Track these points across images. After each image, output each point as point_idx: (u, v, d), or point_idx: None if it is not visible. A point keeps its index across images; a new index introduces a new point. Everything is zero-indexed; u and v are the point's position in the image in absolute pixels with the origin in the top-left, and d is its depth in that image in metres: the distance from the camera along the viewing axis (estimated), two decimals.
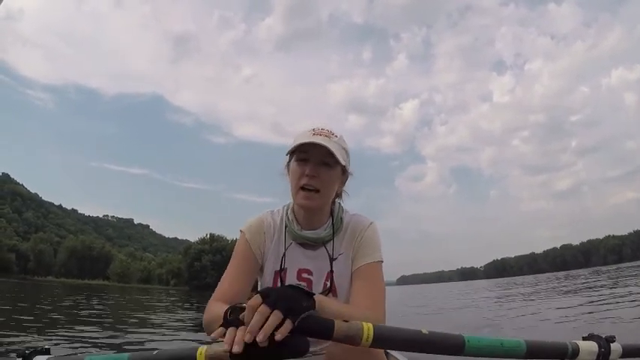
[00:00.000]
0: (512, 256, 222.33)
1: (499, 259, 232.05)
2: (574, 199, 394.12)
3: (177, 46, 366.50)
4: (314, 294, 1.04)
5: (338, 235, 1.55)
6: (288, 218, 1.56)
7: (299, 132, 1.52)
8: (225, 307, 1.20)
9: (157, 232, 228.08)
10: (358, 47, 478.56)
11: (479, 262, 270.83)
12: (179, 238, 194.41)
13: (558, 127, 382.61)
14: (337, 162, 1.43)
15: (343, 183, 1.59)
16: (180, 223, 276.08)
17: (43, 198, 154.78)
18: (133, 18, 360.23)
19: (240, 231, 1.59)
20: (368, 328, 0.98)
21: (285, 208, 1.61)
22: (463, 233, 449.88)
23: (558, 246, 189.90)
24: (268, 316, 0.92)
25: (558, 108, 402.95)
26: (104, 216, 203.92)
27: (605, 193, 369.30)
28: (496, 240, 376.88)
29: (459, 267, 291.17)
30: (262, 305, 0.93)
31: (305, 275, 1.54)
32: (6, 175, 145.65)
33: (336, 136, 1.48)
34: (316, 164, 1.44)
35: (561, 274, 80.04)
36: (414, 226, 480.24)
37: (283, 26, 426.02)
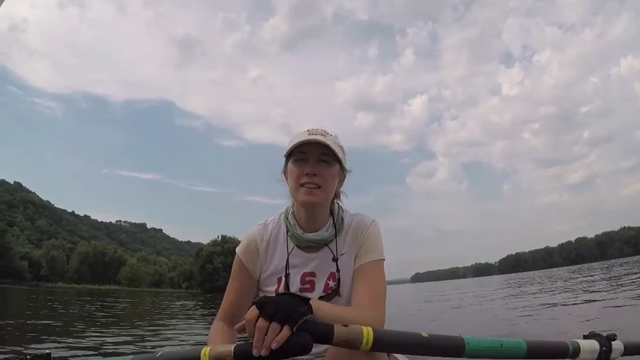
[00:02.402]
0: (527, 251, 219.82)
1: (513, 254, 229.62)
2: (588, 191, 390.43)
3: (182, 50, 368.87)
4: (309, 299, 1.04)
5: (340, 235, 1.57)
6: (289, 223, 1.56)
7: (293, 135, 1.54)
8: (226, 327, 1.54)
9: (170, 235, 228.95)
10: (364, 44, 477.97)
11: (493, 258, 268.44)
12: (192, 241, 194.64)
13: (569, 119, 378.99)
14: (335, 158, 1.47)
15: (341, 182, 1.60)
16: (193, 226, 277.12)
17: (55, 205, 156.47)
18: (136, 24, 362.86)
19: (237, 250, 1.63)
20: (367, 332, 0.97)
21: (284, 214, 1.62)
22: (477, 229, 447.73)
23: (573, 239, 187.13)
24: (267, 328, 0.95)
25: (568, 99, 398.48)
26: (117, 221, 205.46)
27: (618, 184, 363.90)
28: (510, 235, 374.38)
29: (474, 263, 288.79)
30: (260, 319, 0.95)
31: (308, 278, 1.55)
32: (18, 184, 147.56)
33: (331, 135, 1.50)
34: (315, 162, 1.45)
35: (575, 267, 79.09)
36: (426, 224, 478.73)
37: (288, 26, 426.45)
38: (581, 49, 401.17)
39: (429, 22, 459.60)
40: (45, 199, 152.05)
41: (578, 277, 30.92)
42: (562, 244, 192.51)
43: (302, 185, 1.45)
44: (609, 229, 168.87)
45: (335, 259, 1.54)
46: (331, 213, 1.59)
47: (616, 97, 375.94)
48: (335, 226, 1.56)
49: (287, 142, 1.53)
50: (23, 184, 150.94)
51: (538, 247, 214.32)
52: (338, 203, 1.63)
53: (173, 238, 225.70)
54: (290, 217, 1.58)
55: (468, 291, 31.14)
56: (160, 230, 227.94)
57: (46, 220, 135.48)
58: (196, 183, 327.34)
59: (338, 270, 1.53)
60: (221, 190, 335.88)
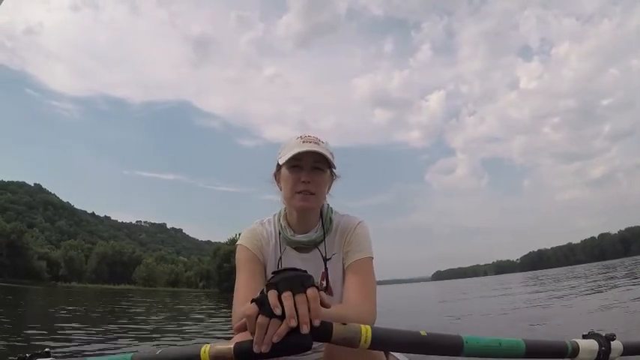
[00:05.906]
0: (549, 248, 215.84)
1: (535, 250, 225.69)
2: (610, 186, 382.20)
3: (197, 49, 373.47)
4: (312, 278, 1.02)
5: (329, 236, 1.63)
6: (281, 225, 1.63)
7: (287, 140, 1.61)
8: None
9: (190, 235, 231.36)
10: (379, 40, 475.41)
11: (515, 255, 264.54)
12: (212, 240, 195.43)
13: (590, 112, 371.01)
14: (328, 166, 1.54)
15: (330, 186, 1.66)
16: (213, 226, 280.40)
17: (75, 206, 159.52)
18: (150, 24, 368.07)
19: (237, 244, 1.66)
20: (366, 331, 0.98)
21: (277, 216, 1.69)
22: (498, 225, 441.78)
23: (596, 235, 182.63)
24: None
25: (588, 92, 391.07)
26: (137, 222, 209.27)
27: None
28: (532, 231, 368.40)
29: (495, 260, 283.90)
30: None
31: None
32: (38, 186, 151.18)
33: (323, 142, 1.58)
34: (309, 170, 1.52)
35: (597, 264, 77.52)
36: (447, 221, 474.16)
37: (301, 23, 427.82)
38: (600, 41, 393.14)
39: (444, 16, 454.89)
40: (65, 201, 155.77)
41: (585, 275, 30.04)
42: (585, 240, 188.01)
43: (297, 192, 1.52)
44: (633, 225, 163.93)
45: (325, 260, 1.60)
46: (320, 214, 1.65)
47: (637, 89, 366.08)
48: (323, 228, 1.62)
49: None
50: (43, 186, 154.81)
51: (560, 244, 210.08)
52: (327, 204, 1.68)
53: (193, 238, 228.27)
54: (282, 219, 1.64)
55: (476, 290, 30.41)
56: (180, 230, 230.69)
57: (66, 221, 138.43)
58: (215, 183, 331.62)
59: (326, 269, 1.59)
60: (240, 190, 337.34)
